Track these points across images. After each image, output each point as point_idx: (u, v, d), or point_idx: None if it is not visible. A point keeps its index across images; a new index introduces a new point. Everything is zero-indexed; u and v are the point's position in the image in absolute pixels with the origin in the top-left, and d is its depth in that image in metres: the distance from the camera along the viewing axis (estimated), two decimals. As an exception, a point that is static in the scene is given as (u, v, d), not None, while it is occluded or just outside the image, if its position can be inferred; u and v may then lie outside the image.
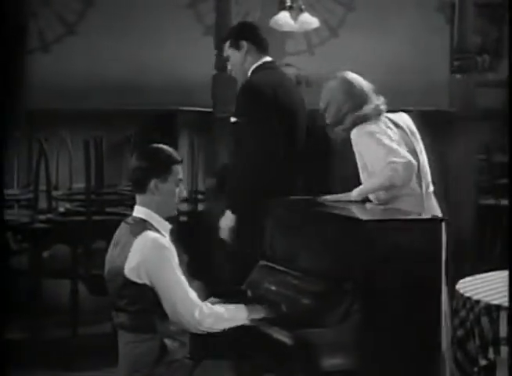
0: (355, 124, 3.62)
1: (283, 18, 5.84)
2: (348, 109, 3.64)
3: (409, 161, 3.51)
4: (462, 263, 4.54)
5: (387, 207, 3.57)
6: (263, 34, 4.02)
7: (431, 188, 3.73)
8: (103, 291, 3.07)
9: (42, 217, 4.79)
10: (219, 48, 5.22)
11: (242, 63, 3.94)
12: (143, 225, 3.02)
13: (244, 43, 3.92)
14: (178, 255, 3.16)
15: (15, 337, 4.67)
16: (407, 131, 3.75)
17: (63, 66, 5.68)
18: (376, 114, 3.64)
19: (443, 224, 3.17)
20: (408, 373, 3.09)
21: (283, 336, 3.08)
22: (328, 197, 3.65)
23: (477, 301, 2.89)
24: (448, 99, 5.50)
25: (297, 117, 3.96)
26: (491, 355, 2.79)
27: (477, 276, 3.23)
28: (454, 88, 5.28)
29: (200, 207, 5.27)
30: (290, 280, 3.31)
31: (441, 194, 4.83)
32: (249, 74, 3.95)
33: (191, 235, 4.47)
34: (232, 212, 3.83)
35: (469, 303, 2.90)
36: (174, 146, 3.96)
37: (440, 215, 3.64)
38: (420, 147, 3.77)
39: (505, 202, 5.09)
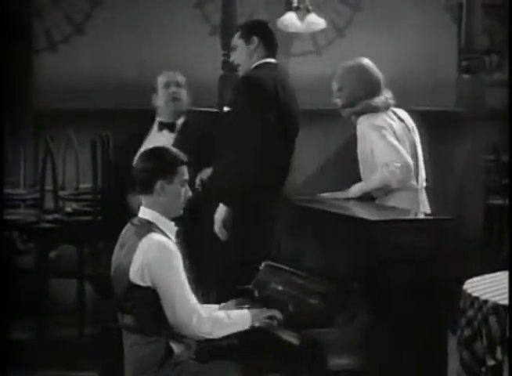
0: (364, 112, 3.69)
1: (290, 19, 5.84)
2: (361, 95, 3.71)
3: (407, 164, 3.62)
4: (469, 263, 4.52)
5: (392, 207, 3.58)
6: (276, 37, 4.06)
7: (424, 184, 3.82)
8: (109, 292, 3.07)
9: (49, 217, 4.79)
10: (226, 48, 5.22)
11: (248, 58, 3.94)
12: (149, 227, 3.02)
13: (255, 39, 3.94)
14: (184, 257, 3.17)
15: (21, 337, 4.68)
16: (409, 125, 3.83)
17: (70, 66, 5.69)
18: (385, 107, 3.74)
19: (450, 224, 3.17)
20: (414, 373, 3.08)
21: (289, 336, 3.08)
22: (326, 194, 3.69)
23: (485, 301, 2.88)
24: (455, 99, 5.49)
25: (291, 117, 3.95)
26: (499, 355, 2.78)
27: (485, 275, 3.22)
28: (462, 88, 5.27)
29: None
30: (297, 280, 3.31)
31: (449, 194, 4.83)
32: (251, 68, 3.94)
33: (195, 235, 4.46)
34: (225, 205, 3.83)
35: (477, 303, 2.89)
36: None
37: (429, 210, 3.70)
38: (418, 142, 3.85)
39: (512, 202, 5.08)
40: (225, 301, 3.27)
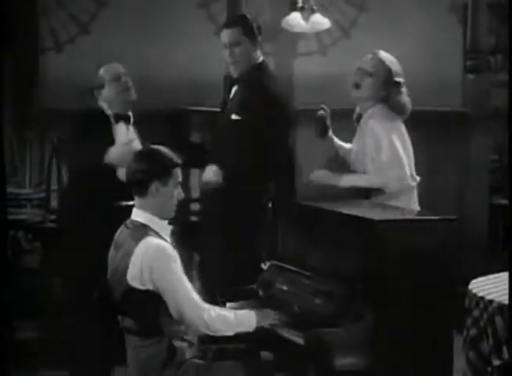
0: (387, 108, 3.67)
1: (295, 19, 5.83)
2: (389, 90, 3.69)
3: (406, 174, 3.58)
4: (475, 263, 4.52)
5: (397, 207, 3.58)
6: (268, 41, 4.04)
7: (415, 182, 3.80)
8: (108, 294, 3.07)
9: (54, 217, 4.80)
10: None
11: (250, 58, 3.86)
12: (144, 230, 3.01)
13: (259, 39, 3.89)
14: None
15: (26, 336, 4.68)
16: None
17: (76, 66, 5.69)
18: (403, 109, 3.72)
19: (455, 224, 3.17)
20: (420, 373, 3.08)
21: (294, 336, 3.08)
22: (319, 172, 3.69)
23: (491, 301, 2.88)
24: (461, 99, 5.48)
25: (290, 122, 3.93)
26: (505, 355, 2.78)
27: (491, 275, 3.22)
28: (467, 89, 5.27)
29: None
30: (302, 280, 3.31)
31: (454, 194, 4.83)
32: (248, 69, 3.87)
33: (202, 235, 4.46)
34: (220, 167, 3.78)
35: (482, 303, 2.89)
36: (185, 146, 3.96)
37: (418, 208, 3.71)
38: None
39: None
40: (230, 301, 3.27)
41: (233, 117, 3.86)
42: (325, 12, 5.99)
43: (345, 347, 2.97)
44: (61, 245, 3.78)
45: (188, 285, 2.99)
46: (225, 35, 3.92)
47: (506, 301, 2.82)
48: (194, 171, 4.95)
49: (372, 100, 3.72)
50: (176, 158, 3.06)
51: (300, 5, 5.83)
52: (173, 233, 3.12)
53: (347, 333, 2.99)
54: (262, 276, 3.51)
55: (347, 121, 4.00)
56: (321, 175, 3.74)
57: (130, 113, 4.13)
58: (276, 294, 3.35)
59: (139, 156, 3.07)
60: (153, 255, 2.95)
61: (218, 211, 3.89)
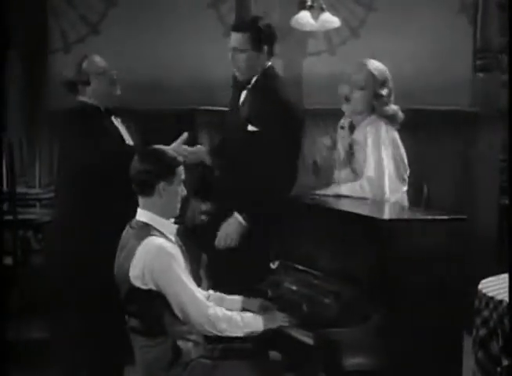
0: (373, 119, 3.65)
1: (304, 17, 5.83)
2: (375, 99, 3.66)
3: (382, 186, 3.58)
4: (484, 262, 4.50)
5: (405, 207, 3.57)
6: (277, 41, 3.88)
7: (405, 187, 3.78)
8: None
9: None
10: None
11: (255, 66, 3.78)
12: (147, 229, 3.02)
13: (265, 48, 3.79)
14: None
15: (35, 336, 4.69)
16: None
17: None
18: (395, 118, 3.70)
19: (464, 223, 3.16)
20: (429, 373, 3.07)
21: (303, 336, 3.08)
22: (320, 191, 3.69)
23: (501, 301, 2.86)
24: (470, 98, 5.47)
25: (302, 128, 3.90)
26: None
27: (500, 275, 3.20)
28: (477, 88, 5.26)
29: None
30: (311, 280, 3.31)
31: (463, 193, 4.80)
32: (256, 77, 3.81)
33: (210, 235, 4.46)
34: (244, 216, 3.72)
35: (492, 303, 2.88)
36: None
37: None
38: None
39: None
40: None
41: (249, 128, 3.81)
42: (334, 11, 5.98)
43: (354, 347, 2.96)
44: (69, 245, 3.77)
45: (190, 284, 2.99)
46: (231, 38, 3.86)
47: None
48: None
49: (364, 112, 3.70)
50: (179, 157, 3.08)
51: (309, 3, 5.82)
52: (179, 233, 3.12)
53: (356, 333, 2.98)
54: (271, 276, 3.51)
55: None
56: (322, 192, 3.75)
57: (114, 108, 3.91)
58: (285, 294, 3.35)
59: (143, 156, 3.07)
60: (153, 255, 2.96)
61: (226, 210, 3.88)
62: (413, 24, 6.19)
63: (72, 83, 3.81)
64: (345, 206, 3.48)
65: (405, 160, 3.75)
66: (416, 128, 4.59)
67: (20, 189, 5.16)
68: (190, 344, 3.01)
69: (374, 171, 3.60)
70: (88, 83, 3.79)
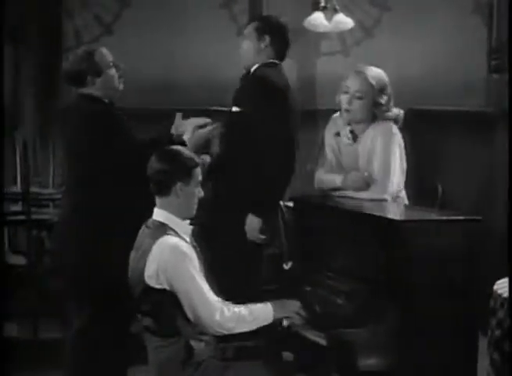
0: (374, 126, 3.63)
1: (318, 18, 5.82)
2: (376, 107, 3.63)
3: (387, 186, 3.58)
4: (500, 263, 4.47)
5: (419, 207, 3.56)
6: (289, 40, 3.89)
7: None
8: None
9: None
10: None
11: (255, 55, 3.81)
12: (163, 229, 3.03)
13: (267, 38, 3.82)
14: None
15: (50, 336, 4.69)
16: None
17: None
18: (397, 120, 3.68)
19: (480, 224, 3.14)
20: (443, 374, 3.05)
21: (316, 336, 3.07)
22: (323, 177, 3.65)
23: (516, 302, 2.84)
24: (485, 99, 5.44)
25: (297, 120, 3.88)
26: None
27: (516, 276, 3.17)
28: (491, 88, 5.23)
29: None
30: (324, 280, 3.30)
31: (478, 194, 4.76)
32: (254, 67, 3.83)
33: (222, 235, 4.45)
34: (258, 216, 3.73)
35: (507, 304, 2.85)
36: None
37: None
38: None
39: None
40: (251, 302, 3.24)
41: (234, 109, 3.83)
42: (347, 12, 5.97)
43: (367, 347, 2.95)
44: (84, 245, 3.77)
45: (203, 285, 2.99)
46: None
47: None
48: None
49: (366, 121, 3.67)
50: (196, 158, 3.08)
51: (322, 4, 5.81)
52: (194, 234, 3.12)
53: (369, 333, 2.97)
54: (284, 276, 3.50)
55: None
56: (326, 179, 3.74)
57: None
58: (298, 295, 3.34)
59: (161, 157, 3.07)
60: (168, 254, 2.96)
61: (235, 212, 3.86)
62: (427, 25, 6.17)
63: (83, 73, 3.64)
64: (359, 207, 3.47)
65: (405, 159, 3.73)
66: (429, 128, 4.59)
67: (34, 189, 5.17)
68: (202, 344, 3.01)
69: (381, 171, 3.58)
70: (99, 74, 3.65)
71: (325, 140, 3.79)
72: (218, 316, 2.96)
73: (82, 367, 3.54)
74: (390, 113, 3.67)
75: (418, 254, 3.04)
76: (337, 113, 3.77)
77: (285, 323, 3.10)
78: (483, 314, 3.08)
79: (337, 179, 3.66)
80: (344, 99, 3.66)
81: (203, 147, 3.68)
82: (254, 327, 3.03)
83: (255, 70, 3.86)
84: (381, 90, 3.62)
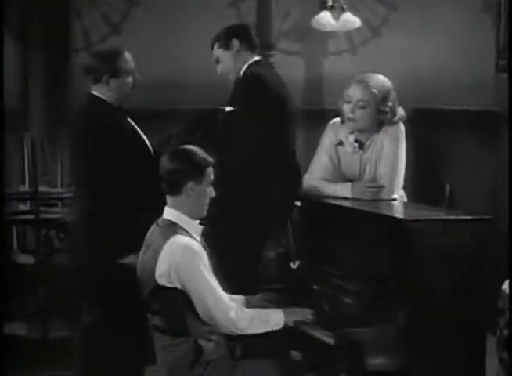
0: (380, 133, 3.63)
1: (325, 18, 5.82)
2: (380, 114, 3.61)
3: (393, 186, 3.58)
4: (508, 263, 4.47)
5: (428, 207, 3.56)
6: (253, 34, 3.90)
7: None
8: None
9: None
10: (262, 47, 5.18)
11: (234, 62, 3.82)
12: (173, 228, 3.03)
13: (235, 42, 3.82)
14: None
15: (59, 335, 4.71)
16: None
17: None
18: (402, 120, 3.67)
19: (489, 223, 3.14)
20: (452, 373, 3.05)
21: (324, 336, 3.07)
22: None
23: (524, 302, 2.84)
24: (493, 98, 5.43)
25: (291, 118, 3.86)
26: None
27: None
28: (499, 87, 5.22)
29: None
30: (332, 280, 3.30)
31: (487, 193, 4.75)
32: (243, 70, 3.82)
33: (230, 235, 4.45)
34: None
35: (508, 303, 2.85)
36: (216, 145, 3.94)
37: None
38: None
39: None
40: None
41: (227, 109, 3.83)
42: (355, 11, 5.96)
43: (376, 347, 2.95)
44: (92, 244, 3.78)
45: (215, 284, 2.99)
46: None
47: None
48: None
49: (371, 128, 3.65)
50: (209, 157, 3.08)
51: (330, 4, 5.81)
52: (204, 233, 3.12)
53: (377, 333, 2.97)
54: (291, 275, 3.51)
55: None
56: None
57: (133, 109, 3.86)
58: (306, 294, 3.34)
59: (172, 156, 3.08)
60: (180, 253, 2.96)
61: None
62: (435, 24, 6.16)
63: (101, 70, 3.64)
64: (368, 206, 3.46)
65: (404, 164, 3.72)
66: (438, 127, 4.58)
67: (42, 189, 5.18)
68: (212, 343, 3.01)
69: (389, 173, 3.57)
70: (116, 76, 3.65)
71: (321, 145, 3.75)
72: (232, 314, 2.97)
73: (92, 365, 3.55)
74: (396, 118, 3.64)
75: (426, 254, 3.05)
76: (335, 120, 3.73)
77: (291, 323, 3.11)
78: (491, 314, 3.07)
79: (343, 190, 3.61)
80: (346, 108, 3.62)
81: None
82: (265, 330, 3.04)
83: (246, 70, 3.87)
84: (384, 98, 3.58)
